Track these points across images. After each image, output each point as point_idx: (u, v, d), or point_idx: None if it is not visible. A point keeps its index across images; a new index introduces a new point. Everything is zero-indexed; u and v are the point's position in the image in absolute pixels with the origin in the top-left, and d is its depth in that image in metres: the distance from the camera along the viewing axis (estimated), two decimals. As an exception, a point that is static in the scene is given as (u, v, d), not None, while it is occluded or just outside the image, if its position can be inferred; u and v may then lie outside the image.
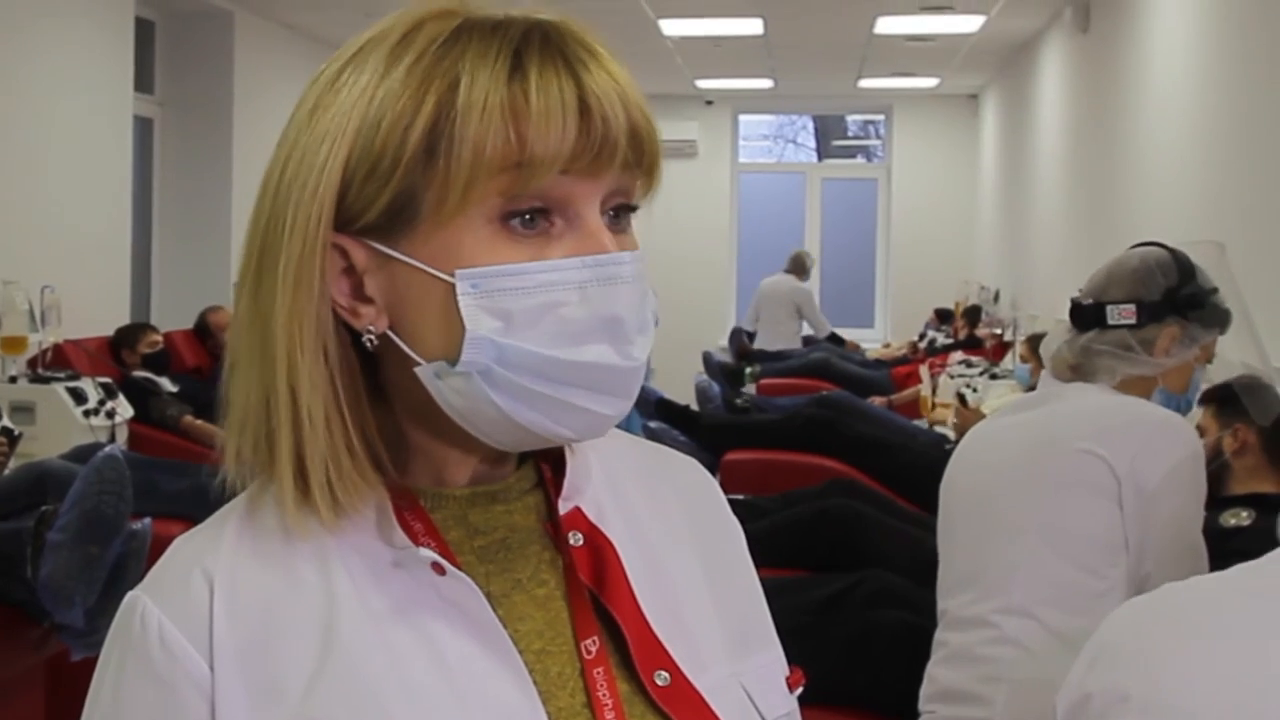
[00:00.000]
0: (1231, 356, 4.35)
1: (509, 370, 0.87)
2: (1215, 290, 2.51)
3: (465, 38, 0.88)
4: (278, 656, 0.88)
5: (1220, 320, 2.53)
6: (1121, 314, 2.44)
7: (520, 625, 0.93)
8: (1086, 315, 2.49)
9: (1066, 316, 2.57)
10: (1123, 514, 2.34)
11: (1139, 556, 2.35)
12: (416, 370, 0.89)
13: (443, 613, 0.90)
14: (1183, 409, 2.55)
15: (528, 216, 0.87)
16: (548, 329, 0.86)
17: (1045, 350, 2.58)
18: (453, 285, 0.86)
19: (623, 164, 0.89)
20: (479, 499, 0.95)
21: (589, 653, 0.93)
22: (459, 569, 0.90)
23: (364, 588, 0.90)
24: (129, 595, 0.92)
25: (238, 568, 0.91)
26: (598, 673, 0.92)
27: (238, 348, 0.92)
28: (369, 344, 0.90)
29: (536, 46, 0.87)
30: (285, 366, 0.88)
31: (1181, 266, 2.49)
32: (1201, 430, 3.25)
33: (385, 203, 0.87)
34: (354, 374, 0.91)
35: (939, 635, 2.55)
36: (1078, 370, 2.49)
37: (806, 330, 11.21)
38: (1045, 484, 2.40)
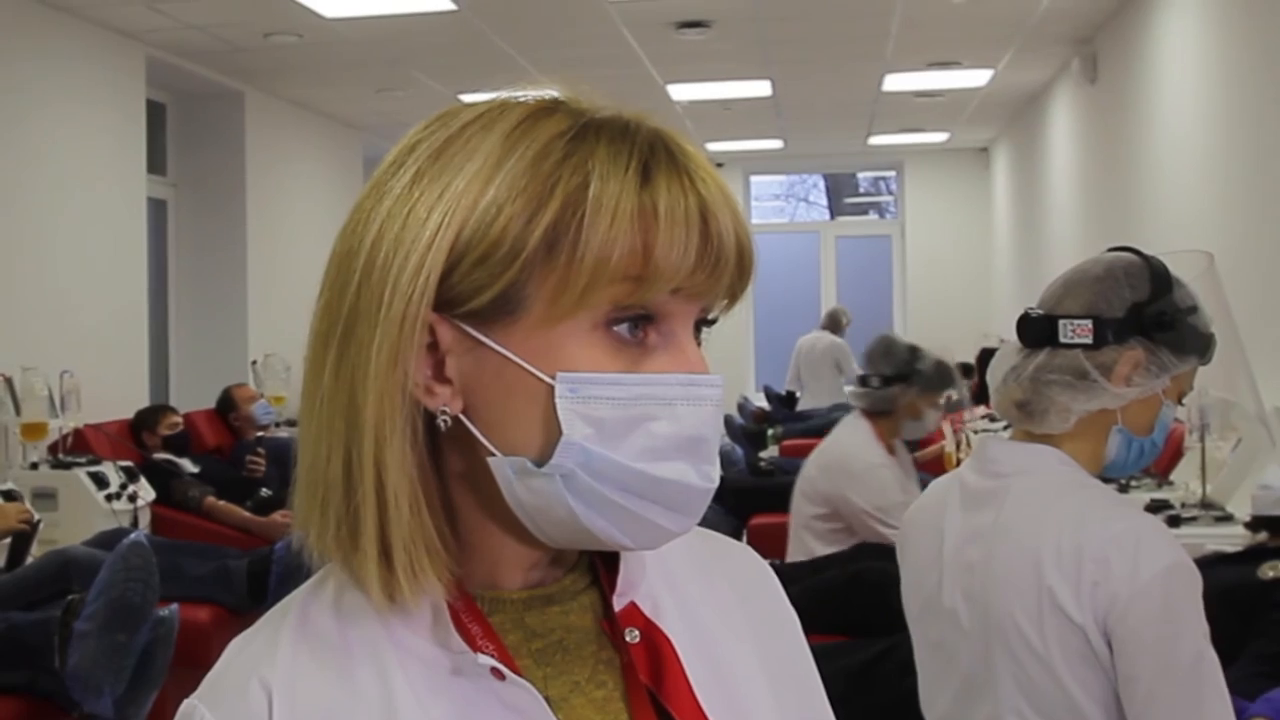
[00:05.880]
0: (1215, 392, 4.01)
1: (592, 478, 0.85)
2: (1194, 310, 2.00)
3: (593, 137, 0.86)
4: None
5: (1197, 347, 2.00)
6: (1075, 331, 1.97)
7: None
8: (1035, 330, 2.02)
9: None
10: (1097, 660, 1.88)
11: (1128, 695, 1.86)
12: (490, 461, 0.87)
13: (503, 719, 0.88)
14: (1146, 454, 2.04)
15: (633, 324, 0.86)
16: (636, 442, 0.85)
17: (991, 378, 2.08)
18: (549, 386, 0.84)
19: (726, 288, 0.90)
20: (535, 601, 0.94)
21: None
22: (519, 674, 0.88)
23: (423, 696, 0.88)
24: (186, 703, 0.90)
25: (296, 677, 0.88)
26: None
27: (315, 420, 0.88)
28: (442, 425, 0.87)
29: (663, 158, 0.86)
30: (373, 445, 0.85)
31: (1155, 278, 1.99)
32: None
33: (495, 294, 0.84)
34: (425, 457, 0.88)
35: None
36: (1025, 408, 2.02)
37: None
38: (1015, 657, 1.96)
